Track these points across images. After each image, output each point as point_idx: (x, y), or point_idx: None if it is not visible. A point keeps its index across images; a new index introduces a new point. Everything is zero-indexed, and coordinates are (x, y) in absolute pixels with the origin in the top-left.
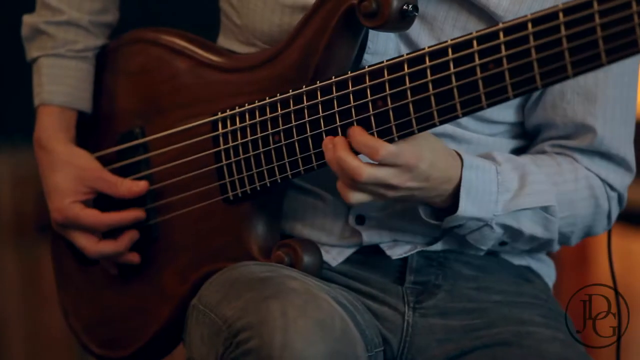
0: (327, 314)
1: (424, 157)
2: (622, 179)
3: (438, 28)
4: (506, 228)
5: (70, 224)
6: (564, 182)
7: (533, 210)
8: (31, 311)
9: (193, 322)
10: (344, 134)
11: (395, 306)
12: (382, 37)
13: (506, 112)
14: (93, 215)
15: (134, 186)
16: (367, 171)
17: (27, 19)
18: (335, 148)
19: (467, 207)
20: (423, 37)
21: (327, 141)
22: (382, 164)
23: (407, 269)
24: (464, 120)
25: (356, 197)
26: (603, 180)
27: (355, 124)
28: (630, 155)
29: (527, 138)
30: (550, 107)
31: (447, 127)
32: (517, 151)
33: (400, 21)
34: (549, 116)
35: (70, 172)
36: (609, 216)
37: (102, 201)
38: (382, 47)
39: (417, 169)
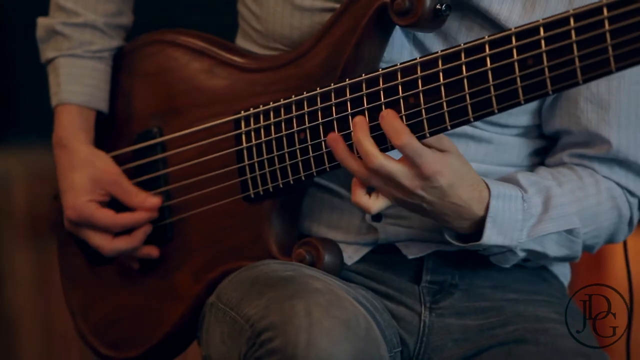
0: (352, 313)
1: (444, 174)
2: None
3: (452, 37)
4: (530, 252)
5: (84, 222)
6: (586, 197)
7: (558, 233)
8: (45, 309)
9: (212, 320)
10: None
11: (411, 306)
12: (397, 45)
13: (522, 117)
14: (107, 216)
15: (146, 201)
16: (380, 159)
17: (42, 21)
18: (354, 129)
19: (491, 236)
20: (437, 46)
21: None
22: (402, 157)
23: (423, 268)
24: (480, 124)
25: (376, 205)
26: (623, 188)
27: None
28: None
29: (547, 139)
30: (565, 114)
31: (467, 128)
32: (539, 151)
33: (433, 20)
34: (565, 123)
35: (88, 172)
36: (630, 223)
37: (117, 205)
38: (397, 55)
39: (433, 181)
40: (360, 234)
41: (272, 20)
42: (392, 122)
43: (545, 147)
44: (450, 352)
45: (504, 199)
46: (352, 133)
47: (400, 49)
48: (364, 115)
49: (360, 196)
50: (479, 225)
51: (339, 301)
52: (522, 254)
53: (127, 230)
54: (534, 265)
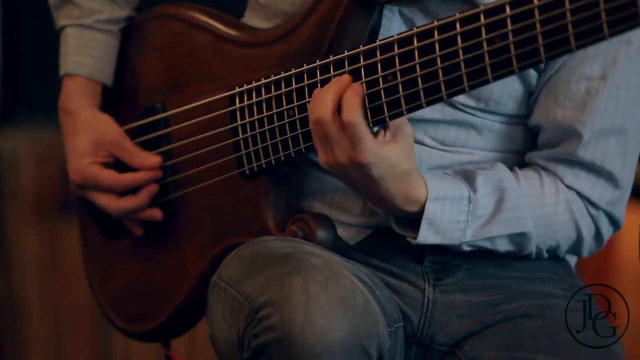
0: (349, 290)
1: (377, 166)
2: (609, 195)
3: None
4: (479, 247)
5: (88, 184)
6: (542, 206)
7: (509, 234)
8: (53, 288)
9: (214, 299)
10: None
11: (415, 283)
12: (394, 27)
13: (508, 104)
14: (111, 176)
15: (147, 160)
16: (328, 117)
17: None
18: (334, 83)
19: (427, 237)
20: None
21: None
22: (345, 128)
23: (425, 248)
24: (479, 113)
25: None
26: (585, 198)
27: (366, 97)
28: (618, 170)
29: None
30: (544, 108)
31: (466, 116)
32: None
33: None
34: (542, 118)
35: (90, 135)
36: (597, 237)
37: (121, 166)
38: (386, 32)
39: (365, 170)
40: (363, 217)
41: None
42: (351, 97)
43: None
44: (455, 327)
45: (445, 200)
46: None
47: (398, 28)
48: None
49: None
50: (416, 220)
51: (337, 277)
52: (468, 249)
53: (134, 190)
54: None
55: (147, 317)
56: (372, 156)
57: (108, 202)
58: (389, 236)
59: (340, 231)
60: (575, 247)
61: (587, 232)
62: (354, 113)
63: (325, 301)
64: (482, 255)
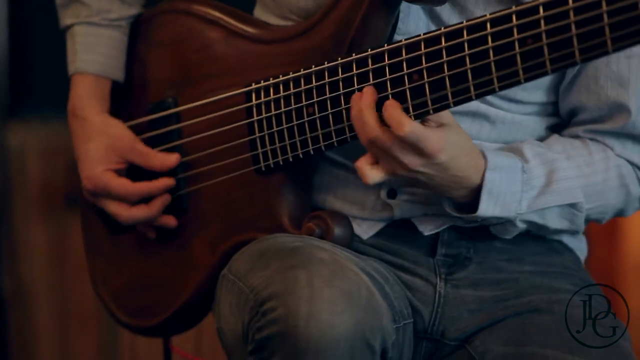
0: (354, 284)
1: (445, 150)
2: None
3: (469, 11)
4: (530, 224)
5: (101, 192)
6: (594, 174)
7: (560, 206)
8: (60, 283)
9: (222, 292)
10: (379, 110)
11: (426, 277)
12: (413, 17)
13: (536, 93)
14: (123, 185)
15: (166, 159)
16: (378, 132)
17: None
18: (360, 99)
19: (488, 208)
20: (453, 19)
21: (355, 95)
22: (402, 140)
23: (438, 242)
24: (496, 101)
25: (372, 177)
26: (635, 165)
27: (390, 97)
28: None
29: (561, 117)
30: (585, 90)
31: (481, 107)
32: (552, 128)
33: None
34: (583, 99)
35: (103, 141)
36: None
37: (133, 170)
38: (413, 27)
39: (434, 158)
40: (376, 210)
41: None
42: (394, 114)
43: (560, 125)
44: (465, 322)
45: (502, 169)
46: (356, 102)
47: (416, 21)
48: None
49: (363, 163)
50: (476, 195)
51: (343, 271)
52: (522, 225)
53: (146, 200)
54: (536, 232)
55: (153, 312)
56: (437, 144)
57: (120, 211)
58: (402, 229)
59: (354, 225)
60: (622, 211)
61: (636, 196)
62: (403, 126)
63: (330, 295)
64: (493, 248)
